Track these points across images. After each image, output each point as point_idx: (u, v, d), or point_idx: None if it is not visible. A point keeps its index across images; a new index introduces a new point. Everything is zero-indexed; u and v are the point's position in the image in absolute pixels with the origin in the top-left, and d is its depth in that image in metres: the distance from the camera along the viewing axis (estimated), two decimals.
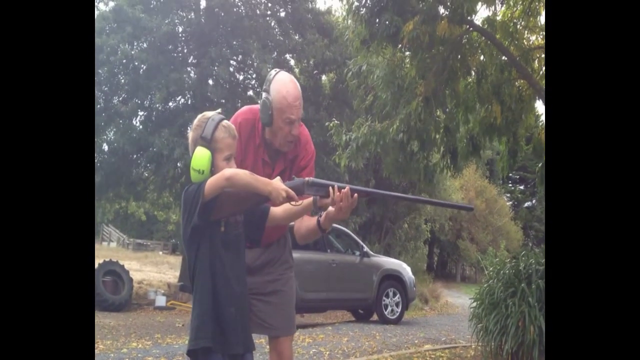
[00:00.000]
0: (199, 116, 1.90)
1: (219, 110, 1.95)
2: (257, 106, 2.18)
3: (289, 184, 1.84)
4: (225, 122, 1.87)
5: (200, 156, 1.79)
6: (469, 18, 5.85)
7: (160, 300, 11.51)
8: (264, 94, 2.08)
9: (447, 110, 6.72)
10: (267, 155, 2.15)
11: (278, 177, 1.82)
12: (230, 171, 1.75)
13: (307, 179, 1.86)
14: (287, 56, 14.21)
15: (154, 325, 8.96)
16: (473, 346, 5.71)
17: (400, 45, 5.86)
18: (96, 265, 10.88)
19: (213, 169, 1.81)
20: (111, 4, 12.81)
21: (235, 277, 1.85)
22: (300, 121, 2.15)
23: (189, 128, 12.50)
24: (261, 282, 2.17)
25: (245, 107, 2.21)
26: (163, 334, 7.59)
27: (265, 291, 2.15)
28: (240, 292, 1.87)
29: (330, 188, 1.86)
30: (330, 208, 1.95)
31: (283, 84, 2.08)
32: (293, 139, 2.13)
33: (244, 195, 1.79)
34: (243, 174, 1.75)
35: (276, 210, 1.95)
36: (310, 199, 1.90)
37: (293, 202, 1.83)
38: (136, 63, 12.27)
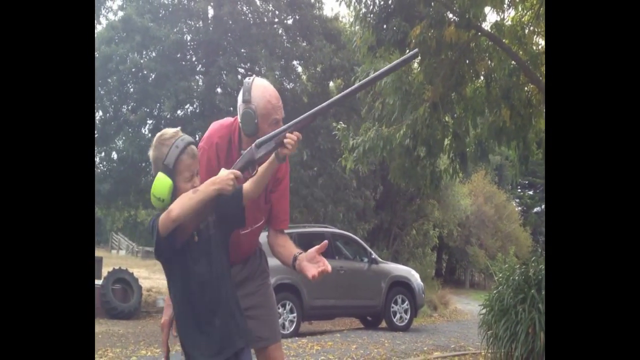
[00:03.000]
0: (159, 135, 1.85)
1: (179, 127, 1.90)
2: (227, 120, 2.14)
3: (239, 162, 1.84)
4: (190, 149, 1.82)
5: (161, 184, 1.78)
6: (477, 23, 5.83)
7: None
8: (243, 105, 2.02)
9: (456, 115, 6.69)
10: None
11: (222, 169, 1.80)
12: (174, 209, 1.73)
13: (253, 145, 1.85)
14: (295, 63, 14.25)
15: None
16: (482, 353, 5.65)
17: (407, 51, 5.85)
18: (105, 274, 10.91)
19: (176, 192, 1.80)
20: (120, 13, 12.92)
21: (213, 281, 1.85)
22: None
23: (197, 136, 12.59)
24: (242, 297, 2.15)
25: (216, 124, 2.13)
26: (172, 342, 7.57)
27: (246, 306, 2.13)
28: (221, 295, 1.86)
29: (281, 137, 1.83)
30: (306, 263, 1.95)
31: (264, 89, 2.04)
32: None
33: (199, 207, 1.78)
34: (187, 202, 1.73)
35: (246, 187, 1.90)
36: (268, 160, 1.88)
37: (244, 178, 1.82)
38: (145, 72, 12.36)
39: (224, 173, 1.78)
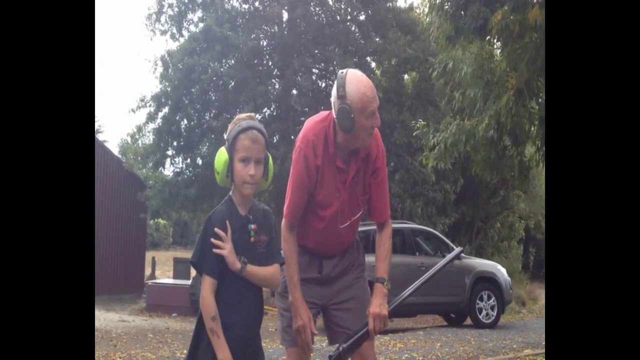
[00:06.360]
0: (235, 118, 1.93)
1: (252, 113, 1.93)
2: (322, 114, 2.13)
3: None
4: (250, 132, 1.82)
5: (218, 157, 1.85)
6: None
7: None
8: (338, 102, 1.98)
9: (541, 100, 6.34)
10: (342, 161, 2.09)
11: None
12: (204, 309, 1.91)
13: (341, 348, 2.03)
14: (368, 59, 14.17)
15: None
16: None
17: (488, 37, 5.61)
18: (194, 274, 11.39)
19: (231, 169, 1.83)
20: (200, 25, 13.53)
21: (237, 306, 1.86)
22: None
23: (274, 138, 12.70)
24: (339, 290, 2.18)
25: (310, 122, 2.12)
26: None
27: (343, 299, 2.16)
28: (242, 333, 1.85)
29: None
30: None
31: (358, 82, 1.99)
32: (373, 130, 2.05)
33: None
34: (209, 322, 1.86)
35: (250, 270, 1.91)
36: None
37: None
38: (225, 79, 12.88)
39: None
